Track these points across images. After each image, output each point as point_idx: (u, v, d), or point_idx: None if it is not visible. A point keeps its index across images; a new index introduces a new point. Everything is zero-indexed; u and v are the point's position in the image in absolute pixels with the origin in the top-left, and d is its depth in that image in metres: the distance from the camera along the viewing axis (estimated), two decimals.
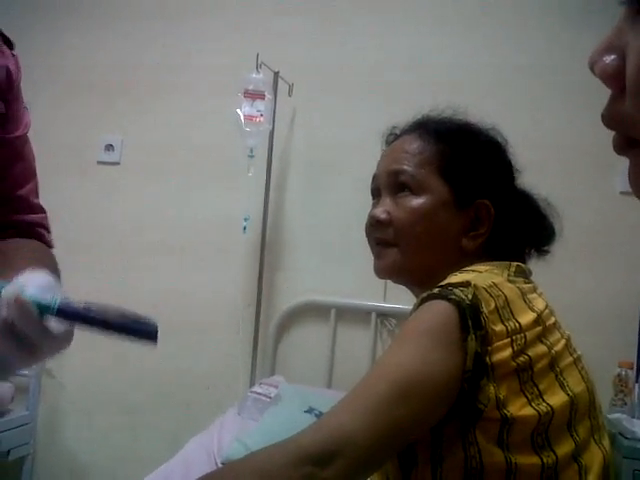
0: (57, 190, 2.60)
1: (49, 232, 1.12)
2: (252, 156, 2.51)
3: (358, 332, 2.56)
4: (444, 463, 0.94)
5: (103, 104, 2.95)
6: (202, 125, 2.84)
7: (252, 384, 2.55)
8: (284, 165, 2.78)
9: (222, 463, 1.82)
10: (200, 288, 2.79)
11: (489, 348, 0.92)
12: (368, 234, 1.16)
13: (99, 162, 2.96)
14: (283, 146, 2.78)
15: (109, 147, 2.93)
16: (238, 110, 2.48)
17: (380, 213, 1.12)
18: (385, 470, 1.02)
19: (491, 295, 0.96)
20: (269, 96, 2.55)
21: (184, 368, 2.75)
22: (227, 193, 2.77)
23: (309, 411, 2.08)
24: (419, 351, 0.92)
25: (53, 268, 0.97)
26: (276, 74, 2.69)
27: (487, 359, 0.91)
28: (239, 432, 1.99)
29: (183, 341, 2.74)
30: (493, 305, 0.95)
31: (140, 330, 0.66)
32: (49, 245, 1.10)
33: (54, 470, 2.92)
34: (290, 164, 2.78)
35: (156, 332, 0.65)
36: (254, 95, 2.49)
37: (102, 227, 2.91)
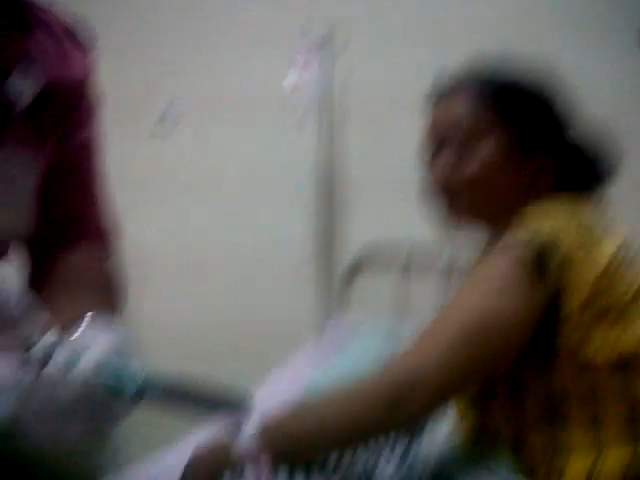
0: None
1: (109, 238, 1.05)
2: (311, 100, 2.51)
3: (430, 274, 2.45)
4: (523, 399, 0.96)
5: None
6: (265, 72, 2.70)
7: (323, 329, 2.47)
8: (347, 106, 2.68)
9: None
10: (267, 235, 2.69)
11: (566, 288, 0.93)
12: (433, 186, 1.11)
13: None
14: (344, 88, 2.68)
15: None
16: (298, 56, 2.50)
17: (443, 165, 1.08)
18: (461, 406, 1.04)
19: (566, 233, 0.95)
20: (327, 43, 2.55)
21: (254, 315, 2.66)
22: (292, 135, 2.66)
23: (381, 354, 1.95)
24: (493, 293, 0.94)
25: (113, 302, 0.96)
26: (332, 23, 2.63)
27: (563, 300, 0.93)
28: (312, 376, 1.91)
29: (251, 287, 2.67)
30: (568, 245, 0.94)
31: (226, 405, 0.67)
32: (108, 253, 1.03)
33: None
34: (352, 105, 2.68)
35: (240, 405, 0.67)
36: (312, 43, 2.52)
37: (168, 168, 2.77)
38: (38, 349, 0.66)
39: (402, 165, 1.79)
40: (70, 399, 0.62)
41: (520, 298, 0.93)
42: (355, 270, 2.57)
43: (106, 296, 0.96)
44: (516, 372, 0.96)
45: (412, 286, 2.47)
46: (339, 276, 2.60)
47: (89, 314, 0.79)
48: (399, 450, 1.06)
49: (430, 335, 0.94)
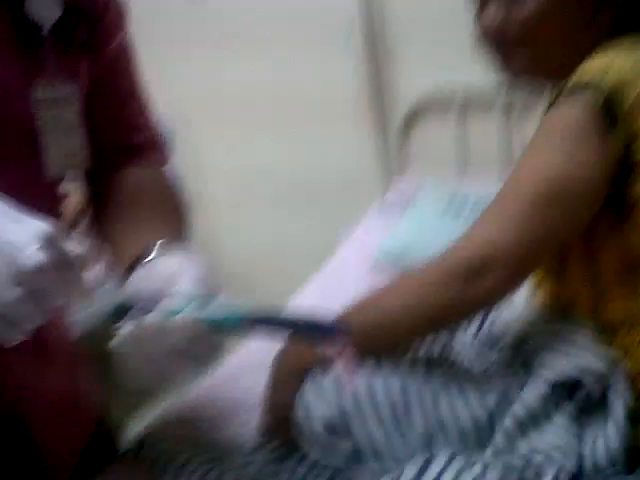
0: None
1: (163, 146, 1.02)
2: None
3: (486, 123, 2.33)
4: (599, 259, 0.94)
5: None
6: None
7: (385, 186, 2.41)
8: None
9: (379, 261, 1.80)
10: (316, 86, 2.56)
11: (638, 133, 0.88)
12: (486, 39, 1.04)
13: None
14: None
15: None
16: None
17: (493, 15, 1.01)
18: (537, 276, 1.03)
19: (633, 76, 0.89)
20: None
21: (312, 173, 2.59)
22: None
23: (448, 210, 1.96)
24: (561, 152, 0.89)
25: (180, 224, 0.93)
26: None
27: (633, 154, 0.88)
28: (382, 238, 1.93)
29: (305, 141, 2.59)
30: (637, 87, 0.88)
31: (321, 331, 0.67)
32: (164, 162, 1.00)
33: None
34: None
35: (335, 330, 0.66)
36: None
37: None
38: (128, 290, 0.66)
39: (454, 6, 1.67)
40: (176, 338, 0.60)
41: (593, 153, 0.88)
42: (411, 121, 2.44)
43: (174, 217, 0.94)
44: (591, 233, 0.93)
45: (471, 134, 2.35)
46: (395, 130, 2.46)
47: (163, 241, 0.77)
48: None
49: (502, 206, 0.91)
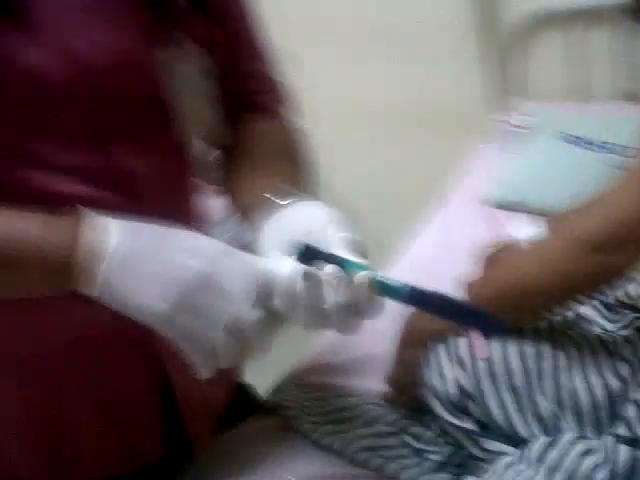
0: None
1: (287, 99, 1.00)
2: None
3: (603, 39, 2.17)
4: None
5: None
6: None
7: (496, 112, 2.30)
8: None
9: (491, 207, 1.76)
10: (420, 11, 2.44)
11: None
12: None
13: None
14: None
15: None
16: None
17: None
18: None
19: None
20: None
21: (417, 104, 2.53)
22: None
23: (567, 138, 1.89)
24: None
25: (306, 172, 0.91)
26: None
27: None
28: (498, 171, 1.89)
29: (408, 68, 2.51)
30: None
31: (489, 323, 0.65)
32: (289, 115, 0.99)
33: None
34: None
35: (503, 327, 0.65)
36: None
37: None
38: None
39: None
40: (353, 295, 0.61)
41: None
42: (522, 44, 2.27)
43: (301, 169, 0.92)
44: None
45: (590, 57, 2.16)
46: (502, 56, 2.30)
47: (295, 188, 0.78)
48: None
49: (636, 168, 0.87)
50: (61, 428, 0.86)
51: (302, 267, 0.61)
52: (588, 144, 1.81)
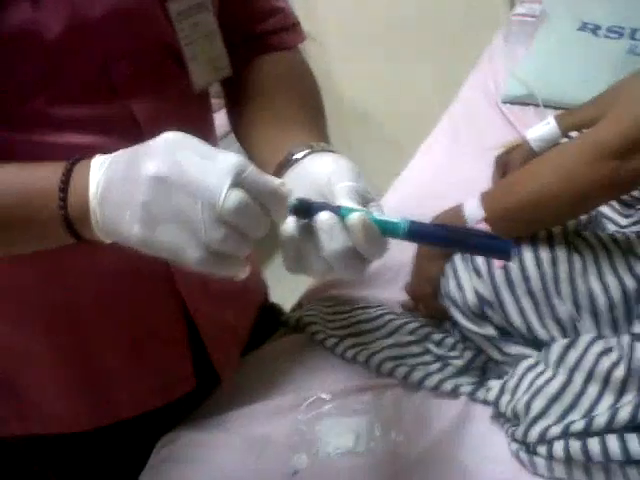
0: None
1: (292, 28, 0.95)
2: None
3: None
4: None
5: None
6: None
7: (512, 5, 2.26)
8: None
9: (502, 102, 1.73)
10: None
11: None
12: None
13: None
14: None
15: None
16: None
17: None
18: None
19: None
20: None
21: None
22: None
23: (582, 27, 1.82)
24: None
25: (322, 114, 0.89)
26: None
27: None
28: (511, 64, 1.85)
29: None
30: None
31: (495, 249, 0.62)
32: (297, 42, 0.94)
33: None
34: None
35: (511, 251, 0.60)
36: None
37: None
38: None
39: None
40: (351, 237, 0.59)
41: None
42: None
43: (313, 104, 0.90)
44: None
45: None
46: None
47: (309, 138, 0.74)
48: None
49: None
50: (92, 368, 0.89)
51: (293, 221, 0.60)
52: (606, 32, 1.75)
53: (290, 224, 0.60)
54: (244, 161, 0.57)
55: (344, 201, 0.60)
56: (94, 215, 0.61)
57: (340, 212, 0.60)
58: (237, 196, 0.55)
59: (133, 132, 0.78)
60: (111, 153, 0.63)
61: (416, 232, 0.61)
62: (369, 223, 0.59)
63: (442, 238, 0.62)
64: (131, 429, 0.93)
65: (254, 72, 0.91)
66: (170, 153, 0.57)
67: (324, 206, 0.61)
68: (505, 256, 0.62)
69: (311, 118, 0.86)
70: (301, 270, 0.62)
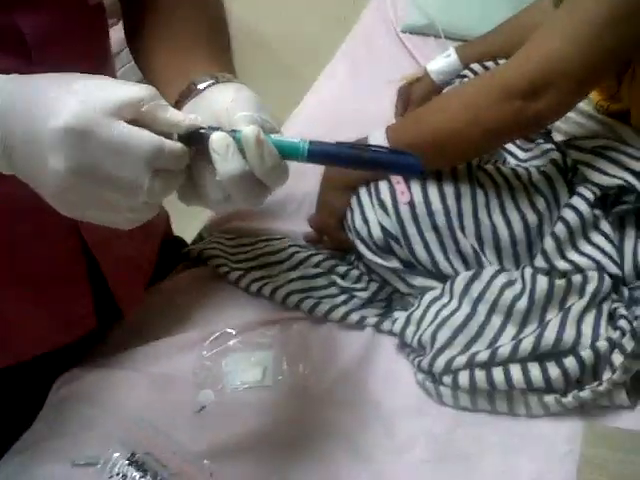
0: None
1: None
2: None
3: None
4: None
5: None
6: None
7: None
8: None
9: (402, 32, 1.69)
10: None
11: None
12: None
13: None
14: None
15: None
16: None
17: None
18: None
19: None
20: None
21: None
22: None
23: None
24: None
25: (225, 36, 0.84)
26: None
27: None
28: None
29: None
30: None
31: (400, 164, 0.60)
32: None
33: None
34: None
35: (418, 165, 0.59)
36: None
37: None
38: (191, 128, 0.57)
39: None
40: (247, 158, 0.56)
41: None
42: None
43: (217, 26, 0.85)
44: None
45: None
46: None
47: (210, 68, 0.70)
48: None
49: (563, 24, 0.87)
50: None
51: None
52: None
53: (179, 145, 0.57)
54: (158, 143, 0.54)
55: (241, 127, 0.57)
56: None
57: (236, 136, 0.57)
58: (158, 185, 0.54)
59: (19, 47, 0.72)
60: None
61: (317, 152, 0.58)
62: (264, 139, 0.56)
63: (346, 157, 0.60)
64: (30, 370, 0.89)
65: None
66: (76, 148, 0.53)
67: (217, 129, 0.58)
68: (413, 170, 0.61)
69: (217, 44, 0.82)
70: (196, 199, 0.60)
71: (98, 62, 0.85)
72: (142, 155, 0.53)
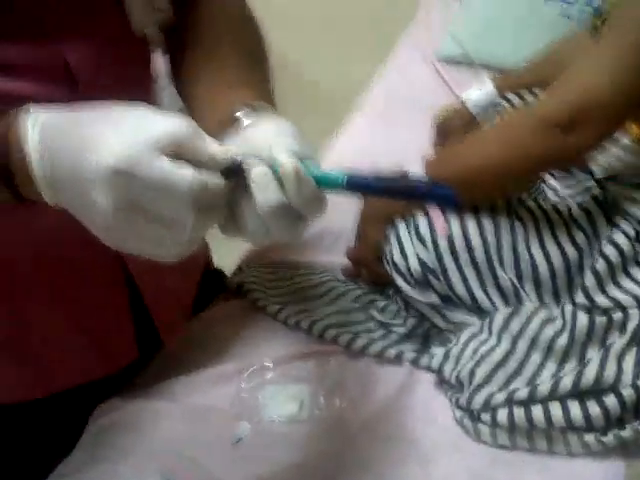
0: None
1: None
2: None
3: None
4: None
5: None
6: None
7: None
8: None
9: (438, 61, 1.71)
10: None
11: None
12: None
13: None
14: None
15: None
16: None
17: None
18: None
19: None
20: None
21: None
22: None
23: None
24: None
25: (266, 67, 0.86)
26: None
27: None
28: (449, 22, 1.82)
29: None
30: None
31: (436, 195, 0.62)
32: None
33: None
34: None
35: (454, 197, 0.60)
36: None
37: None
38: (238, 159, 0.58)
39: None
40: (285, 191, 0.57)
41: None
42: None
43: (256, 52, 0.86)
44: None
45: None
46: None
47: (250, 103, 0.70)
48: None
49: (599, 54, 0.89)
50: (28, 337, 0.85)
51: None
52: None
53: (222, 181, 0.58)
54: (201, 181, 0.55)
55: (281, 159, 0.58)
56: (33, 176, 0.57)
57: (275, 168, 0.58)
58: (201, 221, 0.55)
59: (66, 79, 0.74)
60: (38, 100, 0.59)
61: (355, 182, 0.59)
62: (302, 171, 0.57)
63: (383, 187, 0.61)
64: (71, 399, 0.91)
65: (199, 11, 0.86)
66: (121, 188, 0.54)
67: (259, 163, 0.59)
68: (448, 202, 0.62)
69: (258, 76, 0.83)
70: (236, 231, 0.61)
71: (143, 91, 0.87)
72: (185, 194, 0.54)
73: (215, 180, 0.56)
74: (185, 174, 0.54)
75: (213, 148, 0.57)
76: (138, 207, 0.54)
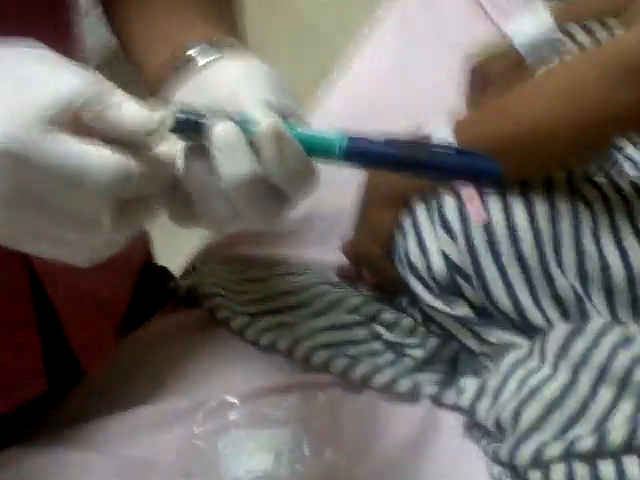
0: None
1: None
2: None
3: None
4: None
5: None
6: None
7: None
8: None
9: None
10: None
11: None
12: None
13: None
14: None
15: None
16: None
17: None
18: None
19: None
20: None
21: None
22: None
23: None
24: None
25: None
26: None
27: None
28: None
29: None
30: None
31: (472, 169, 0.61)
32: None
33: None
34: None
35: (497, 171, 0.60)
36: None
37: None
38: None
39: None
40: (262, 157, 0.56)
41: None
42: None
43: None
44: None
45: None
46: None
47: (211, 36, 0.70)
48: None
49: None
50: None
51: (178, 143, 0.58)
52: None
53: (172, 148, 0.58)
54: (122, 168, 0.53)
55: (254, 115, 0.58)
56: None
57: (247, 128, 0.57)
58: (124, 219, 0.55)
59: None
60: None
61: (357, 149, 0.59)
62: (285, 134, 0.57)
63: (395, 156, 0.60)
64: None
65: None
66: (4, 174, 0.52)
67: (222, 118, 0.58)
68: (489, 178, 0.62)
69: (223, 5, 0.84)
70: (191, 218, 0.60)
71: (52, 21, 0.87)
72: (97, 182, 0.52)
73: (144, 166, 0.55)
74: (92, 155, 0.53)
75: (132, 112, 0.55)
76: (30, 200, 0.53)
